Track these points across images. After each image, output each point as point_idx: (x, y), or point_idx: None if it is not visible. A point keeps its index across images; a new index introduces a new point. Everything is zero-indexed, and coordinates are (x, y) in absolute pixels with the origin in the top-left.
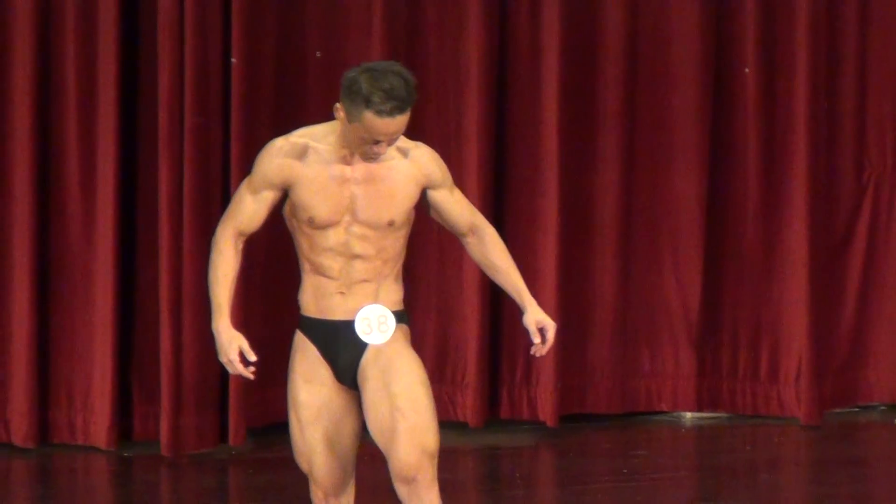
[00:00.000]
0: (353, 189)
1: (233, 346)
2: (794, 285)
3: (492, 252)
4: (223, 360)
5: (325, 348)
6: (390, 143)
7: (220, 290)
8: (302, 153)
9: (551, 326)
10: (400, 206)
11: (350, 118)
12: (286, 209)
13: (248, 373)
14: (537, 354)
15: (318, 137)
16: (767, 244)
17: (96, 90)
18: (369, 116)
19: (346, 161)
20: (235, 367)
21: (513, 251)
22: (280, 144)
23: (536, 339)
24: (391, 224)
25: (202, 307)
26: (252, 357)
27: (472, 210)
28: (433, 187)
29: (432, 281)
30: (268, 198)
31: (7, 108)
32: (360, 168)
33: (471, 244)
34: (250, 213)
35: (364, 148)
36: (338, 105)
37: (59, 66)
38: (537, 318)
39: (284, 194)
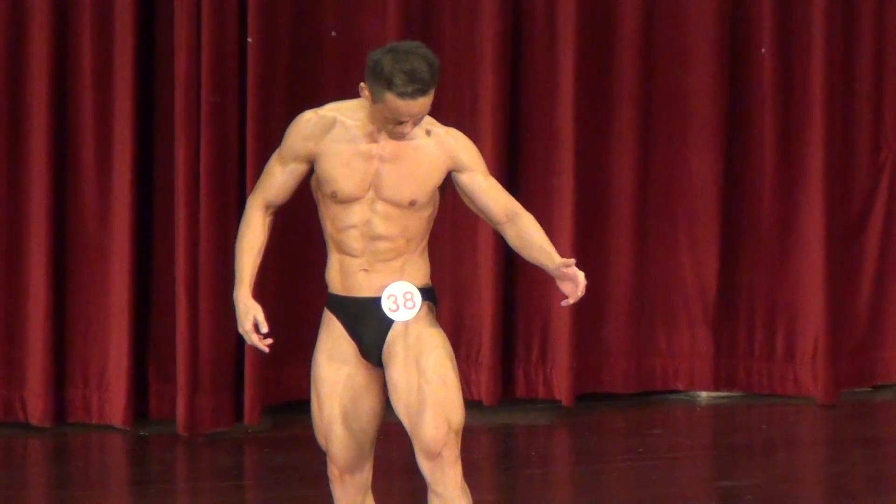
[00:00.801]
0: (377, 166)
1: (248, 316)
2: (811, 265)
3: (528, 231)
4: (240, 330)
5: (350, 325)
6: (415, 123)
7: (243, 261)
8: (329, 126)
9: (580, 273)
10: (422, 186)
11: (374, 98)
12: (313, 181)
13: (263, 345)
14: (566, 304)
15: (347, 112)
16: (784, 224)
17: (113, 70)
18: (391, 98)
19: (373, 138)
20: (250, 337)
21: None
22: (309, 117)
23: (568, 267)
24: (412, 204)
25: (218, 287)
26: (264, 328)
27: (507, 197)
28: (460, 170)
29: (447, 260)
30: (295, 170)
31: (24, 89)
32: (386, 145)
33: (508, 231)
34: (279, 184)
35: (389, 127)
36: (362, 84)
37: (76, 46)
38: (565, 265)
39: (312, 166)
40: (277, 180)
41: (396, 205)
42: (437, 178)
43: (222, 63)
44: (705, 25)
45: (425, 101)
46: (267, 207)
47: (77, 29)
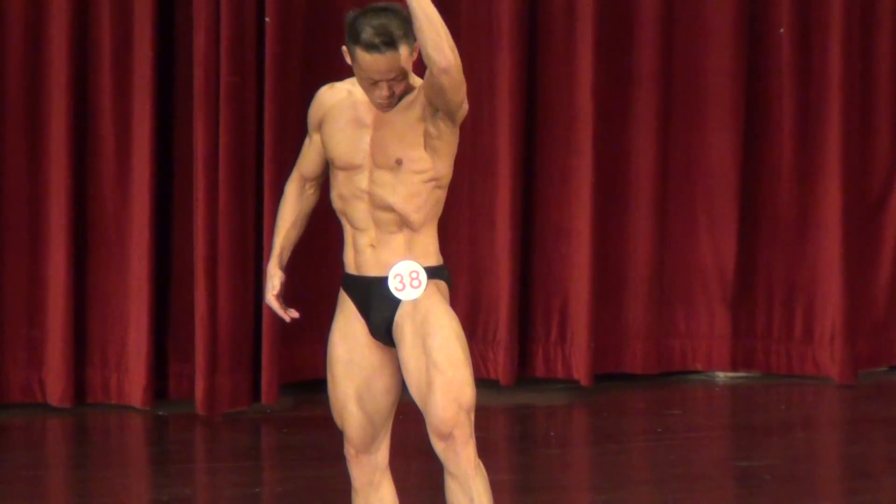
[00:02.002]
0: (370, 134)
1: (268, 285)
2: (829, 245)
3: None
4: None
5: (360, 304)
6: (391, 87)
7: (276, 234)
8: (337, 95)
9: None
10: (405, 142)
11: (351, 58)
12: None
13: (284, 313)
14: None
15: (351, 85)
16: (802, 204)
17: (132, 49)
18: (360, 53)
19: (370, 107)
20: (272, 305)
21: (547, 210)
22: (323, 90)
23: None
24: (399, 162)
25: (237, 266)
26: (274, 291)
27: None
28: (430, 105)
29: (464, 239)
30: (317, 141)
31: (44, 69)
32: (378, 114)
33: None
34: (307, 156)
35: (368, 92)
36: (344, 48)
37: (96, 26)
38: None
39: None
40: (306, 153)
41: (388, 168)
42: (419, 127)
43: (240, 42)
44: (724, 5)
45: (394, 58)
46: (303, 180)
47: (97, 9)
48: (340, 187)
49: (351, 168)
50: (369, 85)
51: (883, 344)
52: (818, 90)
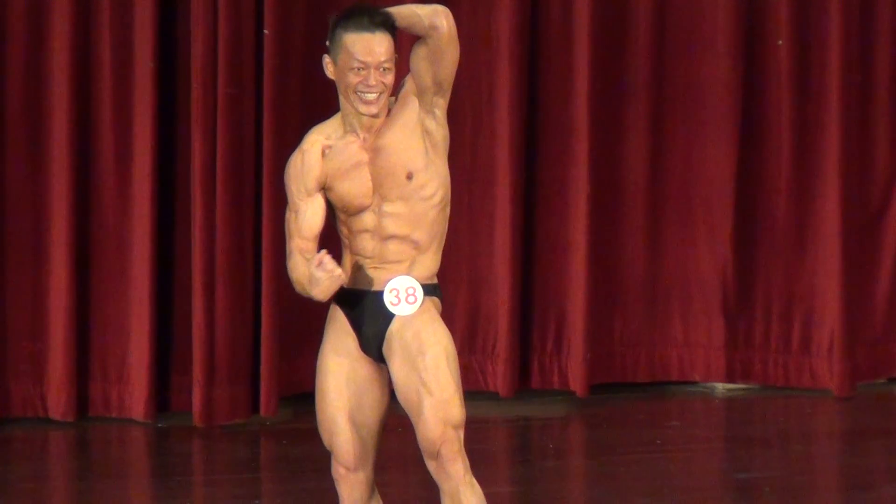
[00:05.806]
0: (370, 168)
1: (324, 268)
2: (827, 256)
3: None
4: (320, 283)
5: (352, 318)
6: (378, 78)
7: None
8: (320, 153)
9: None
10: (411, 151)
11: (335, 58)
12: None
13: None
14: None
15: (326, 133)
16: (800, 215)
17: (133, 62)
18: (350, 39)
19: (358, 144)
20: (325, 268)
21: (543, 220)
22: (297, 157)
23: None
24: (410, 177)
25: (234, 278)
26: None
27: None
28: (421, 93)
29: (463, 251)
30: (318, 199)
31: (45, 82)
32: (371, 143)
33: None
34: (309, 219)
35: (353, 91)
36: (326, 58)
37: (97, 38)
38: None
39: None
40: (306, 217)
41: (397, 196)
42: (418, 130)
43: (239, 54)
44: (721, 16)
45: (385, 39)
46: (306, 249)
47: (98, 21)
48: (349, 225)
49: (361, 210)
50: (356, 78)
51: (881, 355)
52: (817, 100)
